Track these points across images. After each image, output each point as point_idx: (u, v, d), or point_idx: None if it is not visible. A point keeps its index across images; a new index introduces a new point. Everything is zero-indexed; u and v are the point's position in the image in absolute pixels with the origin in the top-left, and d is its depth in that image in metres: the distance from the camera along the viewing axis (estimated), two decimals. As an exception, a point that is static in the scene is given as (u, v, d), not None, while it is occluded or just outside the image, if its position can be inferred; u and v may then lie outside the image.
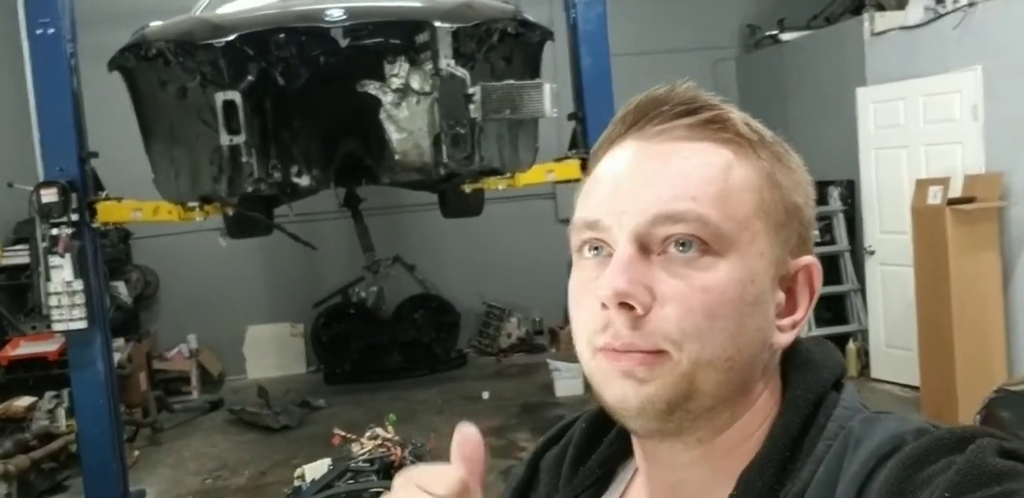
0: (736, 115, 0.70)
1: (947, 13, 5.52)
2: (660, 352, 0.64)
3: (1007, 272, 5.33)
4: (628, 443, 0.77)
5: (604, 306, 0.65)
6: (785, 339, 0.70)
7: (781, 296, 0.70)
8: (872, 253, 6.27)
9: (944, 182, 5.36)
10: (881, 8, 6.25)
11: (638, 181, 0.67)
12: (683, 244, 0.65)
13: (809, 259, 0.71)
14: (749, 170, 0.68)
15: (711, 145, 0.68)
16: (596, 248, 0.69)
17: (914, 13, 5.80)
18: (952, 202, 5.23)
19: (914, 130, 5.88)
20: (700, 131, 0.69)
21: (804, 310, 0.71)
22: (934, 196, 5.37)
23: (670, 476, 0.72)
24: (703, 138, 0.68)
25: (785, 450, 0.67)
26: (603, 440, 0.80)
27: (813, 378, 0.71)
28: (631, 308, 0.64)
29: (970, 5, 5.31)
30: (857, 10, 6.61)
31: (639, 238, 0.66)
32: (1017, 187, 5.21)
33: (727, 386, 0.67)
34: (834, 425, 0.67)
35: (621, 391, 0.66)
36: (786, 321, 0.70)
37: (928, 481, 0.58)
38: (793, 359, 0.72)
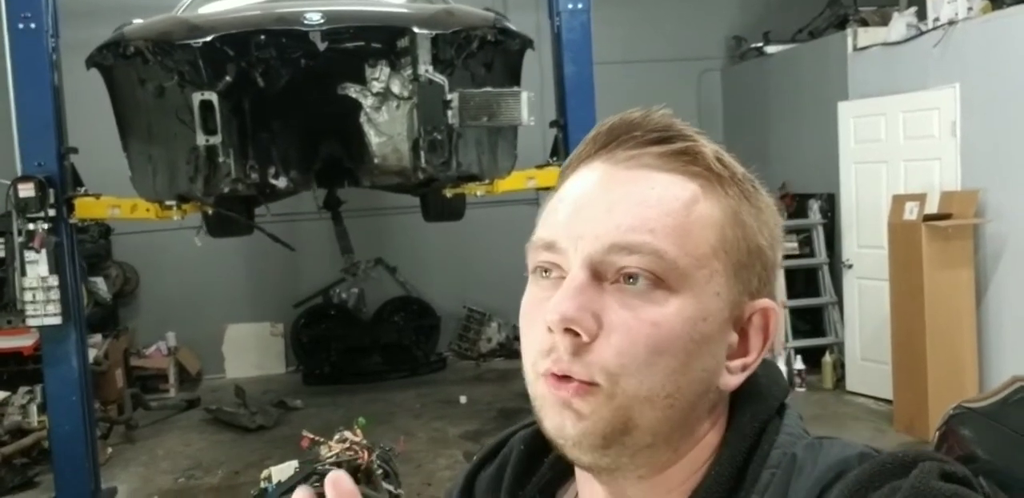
0: (708, 149, 0.68)
1: (928, 31, 5.57)
2: (593, 384, 0.63)
3: (980, 289, 5.37)
4: (567, 467, 0.75)
5: (550, 330, 0.64)
6: (734, 381, 0.68)
7: (734, 337, 0.68)
8: (850, 267, 6.30)
9: (921, 198, 5.40)
10: (865, 24, 6.30)
11: (599, 206, 0.66)
12: (633, 276, 0.64)
13: (767, 303, 0.69)
14: (714, 207, 0.67)
15: (679, 177, 0.67)
16: (549, 270, 0.68)
17: (896, 30, 5.85)
18: (928, 218, 5.27)
19: (893, 145, 5.92)
20: (670, 161, 0.67)
21: (757, 353, 0.69)
22: (910, 212, 5.41)
23: None
24: (671, 169, 0.67)
25: (730, 480, 0.66)
26: (542, 462, 0.78)
27: (758, 406, 0.70)
28: (576, 334, 0.63)
29: (950, 23, 5.35)
30: (841, 25, 6.67)
31: (592, 265, 0.64)
32: (992, 204, 5.25)
33: (666, 423, 0.65)
34: (777, 452, 0.66)
35: (560, 421, 0.65)
36: (736, 363, 0.68)
37: None
38: (740, 388, 0.70)
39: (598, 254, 0.64)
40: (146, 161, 4.40)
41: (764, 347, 0.70)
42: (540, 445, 0.77)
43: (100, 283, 6.86)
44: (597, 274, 0.65)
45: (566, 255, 0.66)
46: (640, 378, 0.63)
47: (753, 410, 0.70)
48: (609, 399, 0.63)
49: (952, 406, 3.15)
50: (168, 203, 4.59)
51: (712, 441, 0.69)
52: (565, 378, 0.64)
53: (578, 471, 0.73)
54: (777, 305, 0.70)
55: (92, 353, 5.69)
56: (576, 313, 0.63)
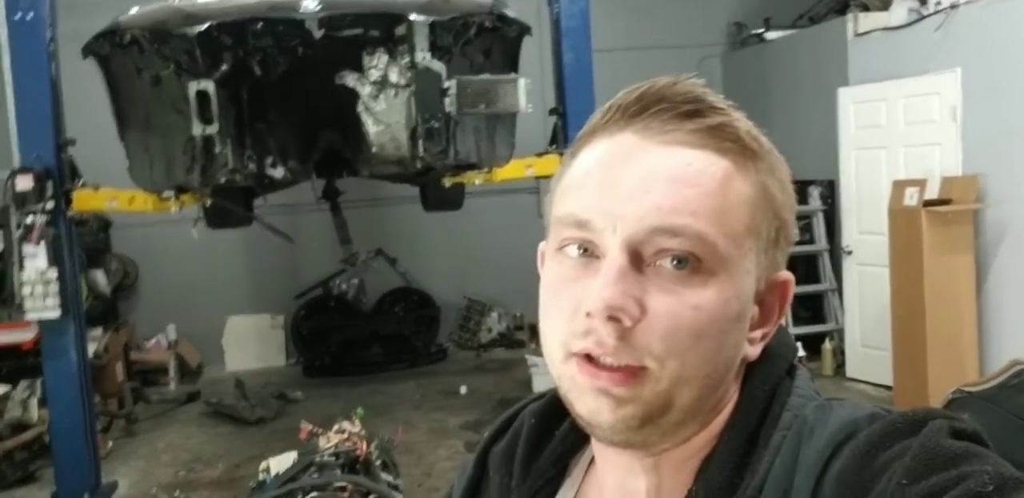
0: (741, 123, 0.67)
1: (930, 15, 5.54)
2: (640, 368, 0.63)
3: (981, 274, 5.36)
4: (580, 437, 0.76)
5: (589, 315, 0.63)
6: (754, 351, 0.69)
7: (755, 310, 0.69)
8: (850, 253, 6.29)
9: (921, 183, 5.38)
10: (866, 9, 6.27)
11: (635, 185, 0.64)
12: (678, 260, 0.63)
13: (786, 275, 0.71)
14: (746, 184, 0.66)
15: (712, 154, 0.65)
16: (584, 249, 0.66)
17: (898, 14, 5.82)
18: (928, 204, 5.25)
19: (894, 131, 5.90)
20: (704, 137, 0.65)
21: (774, 323, 0.70)
22: (910, 197, 5.39)
23: (628, 479, 0.71)
24: (705, 144, 0.65)
25: (744, 444, 0.66)
26: (554, 434, 0.78)
27: (769, 369, 0.70)
28: (618, 320, 0.62)
29: (952, 7, 5.33)
30: (842, 10, 6.63)
31: (632, 247, 0.63)
32: (993, 190, 5.24)
33: (700, 401, 0.66)
34: (789, 415, 0.67)
35: (596, 406, 0.64)
36: (757, 333, 0.69)
37: (885, 467, 0.58)
38: None
39: (638, 236, 0.63)
40: (143, 151, 4.38)
41: (780, 316, 0.71)
42: (551, 418, 0.78)
43: (99, 276, 6.84)
44: (636, 256, 0.63)
45: (602, 235, 0.64)
46: (682, 361, 0.63)
47: (764, 374, 0.70)
48: (655, 383, 0.63)
49: (951, 391, 3.14)
50: (166, 194, 4.57)
51: (729, 407, 0.69)
52: (600, 365, 0.63)
53: (596, 445, 0.73)
54: (792, 277, 0.71)
55: (92, 347, 5.67)
56: (621, 300, 0.62)
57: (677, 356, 0.63)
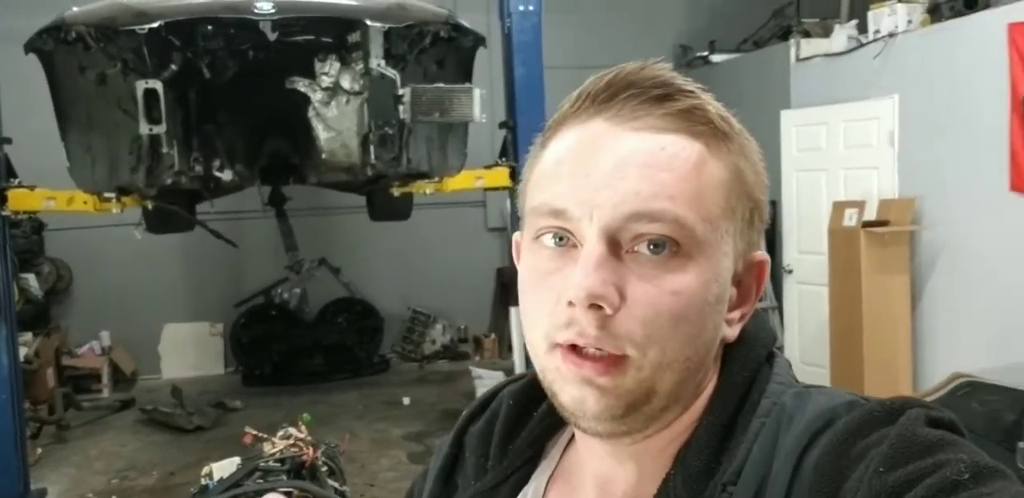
0: (712, 106, 0.67)
1: (869, 43, 5.72)
2: (621, 357, 0.63)
3: (916, 294, 5.52)
4: (558, 419, 0.75)
5: (570, 304, 0.62)
6: (732, 332, 0.69)
7: (733, 291, 0.68)
8: (790, 272, 6.42)
9: (860, 205, 5.53)
10: (807, 35, 6.45)
11: (610, 171, 0.63)
12: (656, 245, 0.63)
13: (761, 255, 0.70)
14: (720, 166, 0.66)
15: (685, 137, 0.65)
16: (560, 238, 0.65)
17: (838, 41, 6.00)
18: (867, 225, 5.40)
19: (834, 154, 6.06)
20: (675, 120, 0.65)
21: (752, 303, 0.70)
22: (850, 218, 5.54)
23: (609, 462, 0.72)
24: (677, 128, 0.65)
25: (722, 429, 0.66)
26: (531, 416, 0.78)
27: (748, 354, 0.70)
28: (599, 308, 0.62)
29: (890, 36, 5.51)
30: (785, 36, 6.81)
31: (610, 235, 0.63)
32: (928, 212, 5.41)
33: (682, 385, 0.66)
34: (767, 401, 0.67)
35: (580, 395, 0.64)
36: (735, 314, 0.69)
37: (862, 455, 0.58)
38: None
39: (616, 222, 0.63)
40: (85, 151, 4.28)
41: (757, 296, 0.71)
42: (529, 399, 0.78)
43: (32, 280, 6.65)
44: (614, 243, 0.63)
45: (579, 224, 0.64)
46: (663, 346, 0.63)
47: (743, 359, 0.70)
48: (637, 371, 0.63)
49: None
50: (107, 195, 4.47)
51: (708, 391, 0.69)
52: (585, 355, 0.63)
53: (578, 432, 0.73)
54: (767, 256, 0.71)
55: (22, 352, 5.50)
56: (601, 288, 0.61)
57: (658, 343, 0.63)
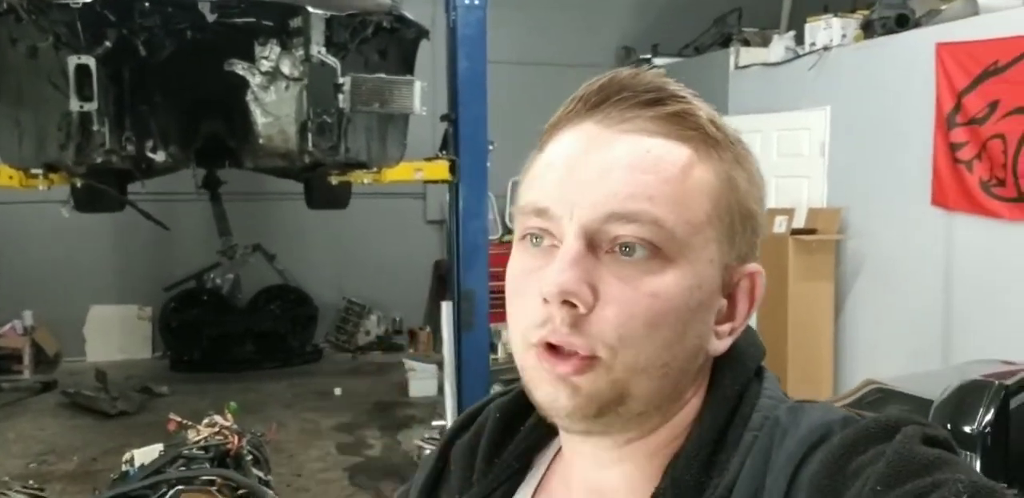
0: (703, 111, 0.67)
1: (805, 54, 5.88)
2: (592, 357, 0.63)
3: (839, 301, 5.69)
4: (545, 433, 0.76)
5: (545, 301, 0.63)
6: (722, 346, 0.68)
7: (723, 302, 0.67)
8: (720, 275, 6.55)
9: (789, 213, 5.68)
10: (747, 44, 6.59)
11: (593, 172, 0.64)
12: (631, 247, 0.63)
13: (755, 266, 0.70)
14: (709, 172, 0.66)
15: (674, 142, 0.65)
16: (540, 237, 0.66)
17: (776, 51, 6.15)
18: (796, 232, 5.55)
19: (767, 162, 6.20)
20: (664, 124, 0.65)
21: (744, 317, 0.69)
22: (779, 225, 5.68)
23: (594, 472, 0.71)
24: (666, 132, 0.65)
25: (712, 443, 0.66)
26: (519, 430, 0.78)
27: (737, 369, 0.69)
28: (573, 306, 0.62)
29: (825, 49, 5.66)
30: (725, 43, 6.95)
31: (588, 234, 0.63)
32: (854, 222, 5.58)
33: (659, 392, 0.65)
34: (759, 416, 0.66)
35: (553, 393, 0.64)
36: (724, 327, 0.68)
37: (858, 472, 0.58)
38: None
39: (594, 223, 0.63)
40: (13, 125, 4.17)
41: (750, 311, 0.70)
42: (517, 413, 0.77)
43: (-48, 255, 6.46)
44: (593, 243, 0.63)
45: (559, 222, 0.64)
46: (638, 350, 0.63)
47: (733, 374, 0.69)
48: (608, 372, 0.63)
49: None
50: (34, 171, 4.36)
51: (696, 404, 0.69)
52: (562, 353, 0.63)
53: (564, 436, 0.73)
54: (762, 269, 0.71)
55: (-62, 328, 5.35)
56: (574, 285, 0.62)
57: (631, 346, 0.62)
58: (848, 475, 0.58)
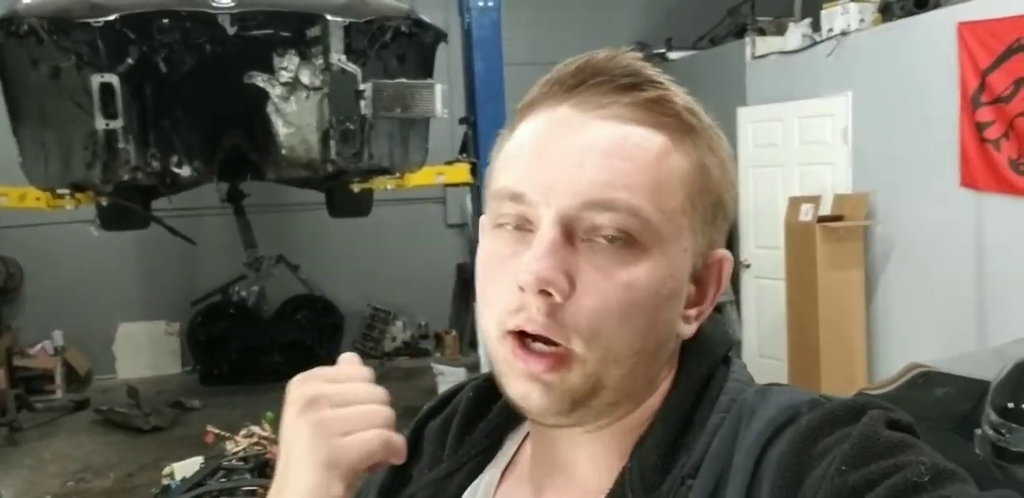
0: (679, 98, 0.66)
1: (822, 41, 5.82)
2: (566, 352, 0.62)
3: (870, 287, 5.64)
4: (516, 413, 0.73)
5: (521, 289, 0.62)
6: (689, 330, 0.69)
7: (692, 288, 0.68)
8: (748, 266, 6.51)
9: (815, 200, 5.63)
10: (762, 33, 6.53)
11: (571, 159, 0.63)
12: (607, 235, 0.62)
13: (723, 253, 0.70)
14: (683, 159, 0.65)
15: (649, 129, 0.64)
16: (518, 223, 0.65)
17: (792, 39, 6.09)
18: (822, 219, 5.50)
19: (789, 150, 6.16)
20: (640, 111, 0.64)
21: (710, 301, 0.69)
22: (806, 213, 5.63)
23: (564, 453, 0.71)
24: (642, 119, 0.64)
25: (680, 425, 0.66)
26: (490, 408, 0.77)
27: (704, 354, 0.70)
28: (549, 294, 0.61)
29: (843, 34, 5.61)
30: (740, 34, 6.89)
31: (565, 221, 0.62)
32: (881, 207, 5.52)
33: (631, 379, 0.65)
34: (726, 398, 0.67)
35: (525, 390, 0.64)
36: (692, 311, 0.68)
37: (824, 453, 0.59)
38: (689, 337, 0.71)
39: (572, 210, 0.62)
40: (39, 146, 4.19)
41: (717, 295, 0.70)
42: (490, 392, 0.76)
43: (-20, 278, 6.50)
44: (569, 231, 0.63)
45: (535, 208, 0.63)
46: (611, 339, 0.63)
47: (699, 359, 0.70)
48: (581, 366, 0.63)
49: (853, 394, 3.30)
50: (61, 191, 4.38)
51: (665, 388, 0.69)
52: (535, 352, 0.63)
53: (532, 424, 0.72)
54: (730, 255, 0.71)
55: (-29, 352, 5.38)
56: (551, 274, 0.61)
57: (605, 336, 0.62)
58: (814, 455, 0.59)
